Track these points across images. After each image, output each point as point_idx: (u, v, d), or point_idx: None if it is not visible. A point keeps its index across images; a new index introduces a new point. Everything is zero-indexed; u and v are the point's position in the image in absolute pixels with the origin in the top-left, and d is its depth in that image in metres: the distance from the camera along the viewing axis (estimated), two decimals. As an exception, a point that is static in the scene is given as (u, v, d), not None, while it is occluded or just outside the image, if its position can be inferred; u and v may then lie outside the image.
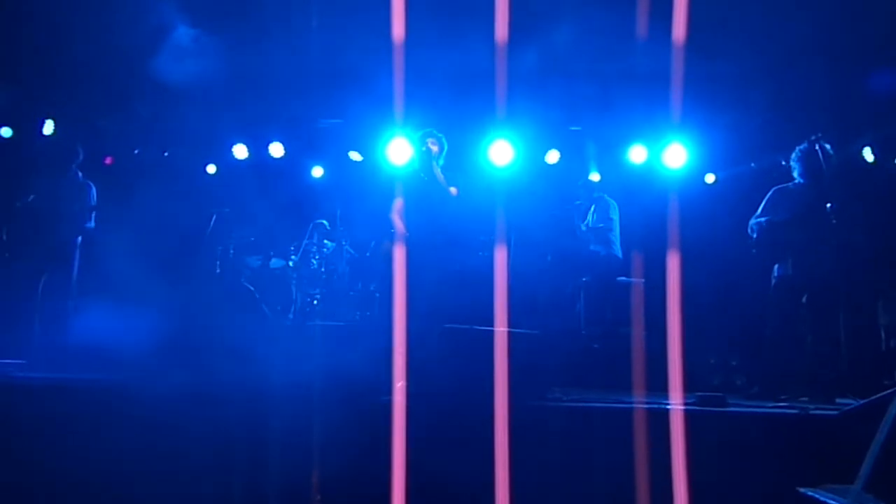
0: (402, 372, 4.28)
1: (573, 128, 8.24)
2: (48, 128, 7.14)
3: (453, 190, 5.81)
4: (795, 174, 5.42)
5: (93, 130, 7.44)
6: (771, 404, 4.75)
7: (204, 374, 4.14)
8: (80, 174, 6.20)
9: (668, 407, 4.09)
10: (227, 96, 7.03)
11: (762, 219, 5.44)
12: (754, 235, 5.48)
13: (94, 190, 6.17)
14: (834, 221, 5.07)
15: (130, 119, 7.67)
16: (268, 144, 8.23)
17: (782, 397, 5.00)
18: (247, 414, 3.93)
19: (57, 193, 5.96)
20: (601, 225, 7.21)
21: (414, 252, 5.60)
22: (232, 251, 7.33)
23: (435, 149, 5.92)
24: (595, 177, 8.07)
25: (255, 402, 3.96)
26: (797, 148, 5.37)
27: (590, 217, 7.33)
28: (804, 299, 5.29)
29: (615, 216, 7.27)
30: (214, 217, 7.42)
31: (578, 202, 7.83)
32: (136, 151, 8.03)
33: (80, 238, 6.04)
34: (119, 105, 7.20)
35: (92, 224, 6.07)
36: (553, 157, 8.21)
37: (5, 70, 6.72)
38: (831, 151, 5.30)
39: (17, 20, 6.20)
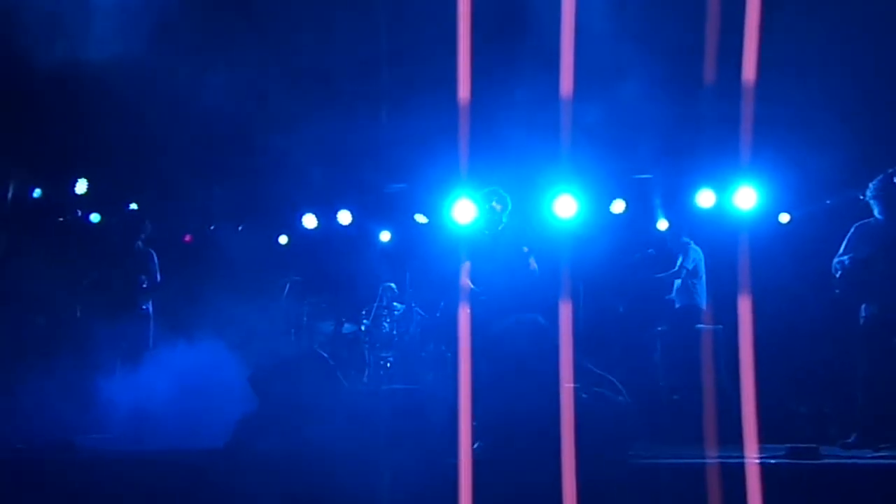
0: (469, 434, 4.23)
1: (638, 176, 8.18)
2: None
3: (533, 263, 5.79)
4: (875, 211, 5.22)
5: (172, 210, 7.80)
6: (870, 454, 4.49)
7: (288, 441, 4.19)
8: (141, 245, 6.38)
9: (754, 461, 3.90)
10: (296, 168, 7.28)
11: (845, 257, 5.25)
12: (838, 275, 5.28)
13: (155, 257, 6.34)
14: (919, 256, 4.85)
15: (207, 198, 8.01)
16: (336, 213, 8.45)
17: (882, 446, 4.71)
18: (330, 478, 3.94)
19: (123, 267, 6.14)
20: (685, 272, 7.09)
21: (482, 312, 5.59)
22: (305, 318, 7.48)
23: (499, 208, 5.96)
24: (662, 224, 7.96)
25: (338, 466, 3.98)
26: (871, 184, 5.19)
27: (678, 264, 7.21)
28: (895, 339, 5.02)
29: (701, 265, 7.13)
30: (288, 286, 7.62)
31: (651, 251, 7.72)
32: (212, 228, 8.37)
33: (149, 307, 6.22)
34: (195, 184, 7.54)
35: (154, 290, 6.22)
36: (619, 206, 8.14)
37: (95, 158, 7.15)
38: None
39: (106, 107, 6.57)
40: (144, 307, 6.20)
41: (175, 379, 5.27)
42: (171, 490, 4.00)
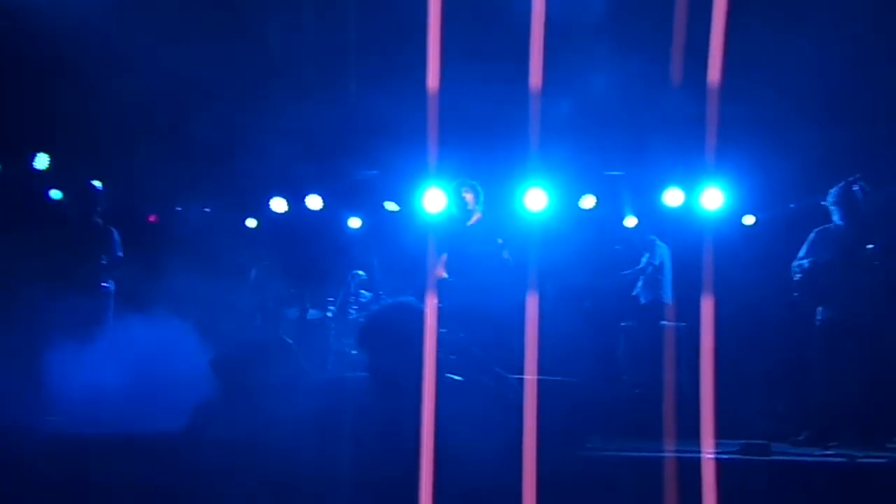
0: (431, 425, 4.25)
1: (609, 172, 8.26)
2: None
3: (506, 255, 5.81)
4: (835, 217, 5.33)
5: (137, 189, 7.68)
6: (819, 452, 4.60)
7: (248, 427, 4.16)
8: (100, 221, 6.17)
9: (709, 456, 3.98)
10: (266, 151, 7.22)
11: (804, 261, 5.35)
12: (796, 277, 5.38)
13: (116, 234, 6.13)
14: (876, 263, 4.96)
15: (173, 177, 7.91)
16: (305, 197, 8.40)
17: (831, 444, 4.84)
18: (289, 465, 3.93)
19: (81, 243, 5.93)
20: (651, 268, 7.18)
21: (451, 304, 5.61)
22: (271, 303, 7.45)
23: (469, 197, 5.98)
24: (630, 221, 8.05)
25: (297, 453, 3.96)
26: (832, 190, 5.30)
27: (644, 261, 7.30)
28: (849, 342, 5.15)
29: (667, 262, 7.23)
30: (255, 270, 7.58)
31: (618, 247, 7.81)
32: (178, 209, 8.27)
33: (110, 285, 6.07)
34: (161, 164, 7.44)
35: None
36: (588, 202, 8.22)
37: (51, 135, 7.02)
38: (869, 190, 5.22)
39: (61, 84, 6.45)
40: (105, 285, 6.07)
41: (134, 360, 5.20)
42: (125, 474, 3.95)
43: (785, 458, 4.36)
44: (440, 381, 2.95)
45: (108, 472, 4.00)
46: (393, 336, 2.90)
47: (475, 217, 5.92)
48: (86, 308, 5.69)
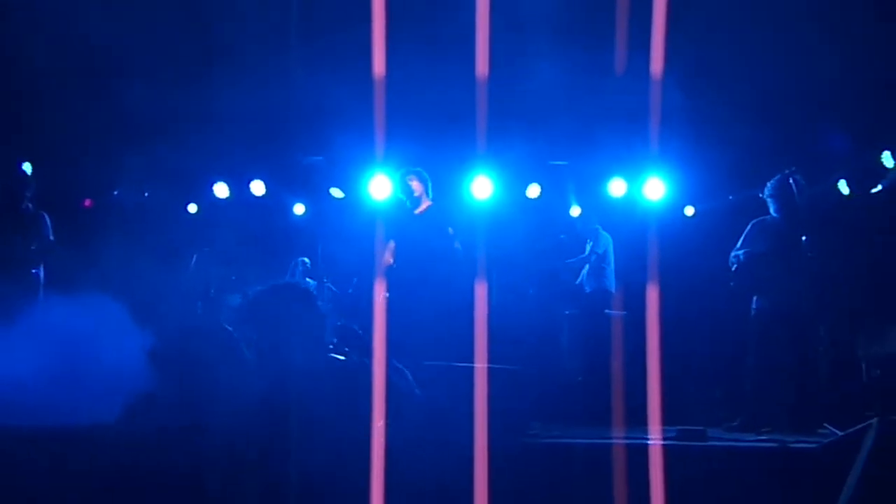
0: (382, 410, 4.24)
1: (554, 162, 8.32)
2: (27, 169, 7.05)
3: (457, 245, 5.79)
4: (771, 209, 5.47)
5: (71, 172, 7.41)
6: (752, 437, 4.73)
7: (186, 418, 4.07)
8: (30, 206, 5.89)
9: (648, 442, 4.06)
10: (208, 135, 7.05)
11: (741, 251, 5.48)
12: (734, 268, 5.52)
13: (48, 219, 5.87)
14: (809, 254, 5.12)
15: (109, 160, 7.66)
16: (249, 182, 8.24)
17: (764, 430, 4.99)
18: (229, 458, 3.86)
19: (9, 229, 5.70)
20: (594, 256, 7.27)
21: (398, 287, 5.58)
22: (213, 291, 7.29)
23: (416, 185, 5.94)
24: (575, 210, 8.14)
25: (238, 444, 3.89)
26: (769, 182, 5.44)
27: (587, 249, 7.37)
28: (783, 331, 5.31)
29: (610, 251, 7.32)
30: (196, 256, 7.40)
31: (562, 236, 7.88)
32: (115, 193, 8.01)
33: (40, 271, 5.83)
34: (97, 146, 7.19)
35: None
36: (534, 191, 8.27)
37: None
38: (804, 184, 5.37)
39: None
40: (34, 271, 5.84)
41: (64, 349, 5.01)
42: (52, 469, 3.81)
43: (720, 443, 4.47)
44: (321, 362, 2.95)
45: (26, 464, 3.85)
46: (272, 317, 2.87)
47: (424, 205, 5.89)
48: (12, 295, 5.47)
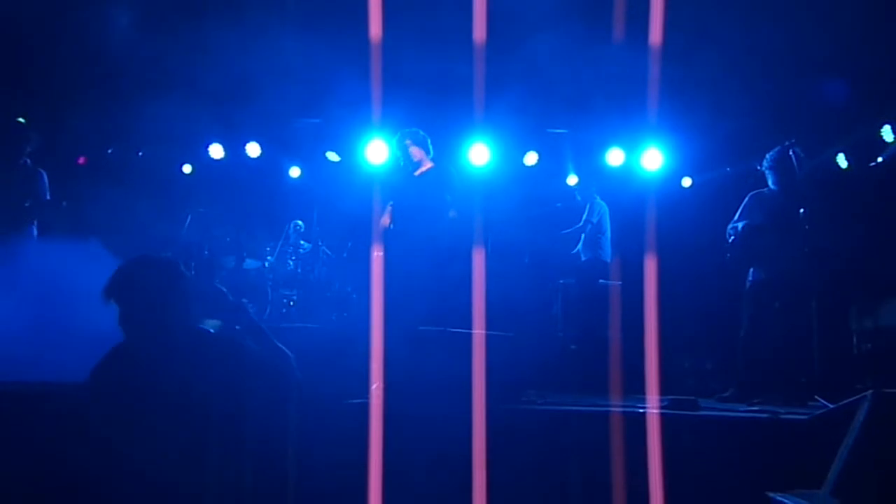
0: (379, 374, 4.26)
1: (552, 130, 8.27)
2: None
3: (453, 213, 5.73)
4: (769, 181, 5.46)
5: (65, 129, 7.30)
6: (743, 408, 4.77)
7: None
8: (29, 162, 5.81)
9: (643, 410, 4.10)
10: (204, 95, 6.96)
11: (738, 224, 5.48)
12: (730, 240, 5.51)
13: (45, 177, 5.80)
14: (807, 227, 5.12)
15: (104, 118, 7.56)
16: (244, 144, 8.16)
17: (755, 401, 5.03)
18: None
19: (6, 185, 5.61)
20: (589, 226, 7.25)
21: (396, 253, 5.54)
22: (207, 252, 7.27)
23: (414, 149, 5.86)
24: (573, 179, 8.11)
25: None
26: (768, 154, 5.42)
27: (584, 217, 7.35)
28: (777, 303, 5.33)
29: (606, 220, 7.30)
30: (190, 217, 7.36)
31: (559, 204, 7.86)
32: (109, 151, 7.92)
33: (33, 229, 5.77)
34: (92, 104, 7.09)
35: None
36: (531, 159, 8.23)
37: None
38: (803, 156, 5.35)
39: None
40: (28, 229, 5.78)
41: (50, 308, 4.95)
42: (23, 428, 3.77)
43: (712, 413, 4.51)
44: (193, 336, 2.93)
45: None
46: (138, 289, 2.82)
47: (425, 166, 5.79)
48: (5, 253, 5.41)
